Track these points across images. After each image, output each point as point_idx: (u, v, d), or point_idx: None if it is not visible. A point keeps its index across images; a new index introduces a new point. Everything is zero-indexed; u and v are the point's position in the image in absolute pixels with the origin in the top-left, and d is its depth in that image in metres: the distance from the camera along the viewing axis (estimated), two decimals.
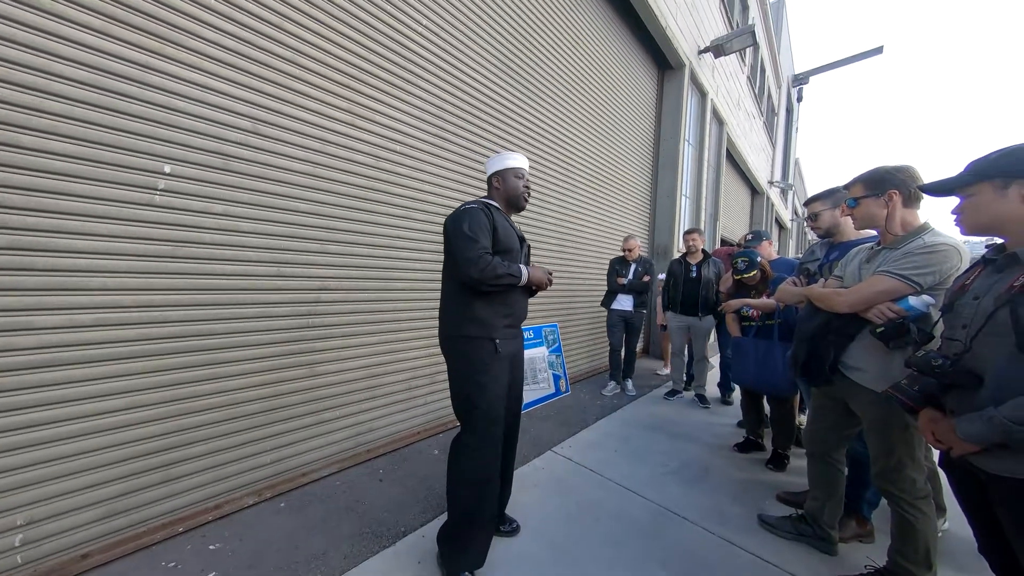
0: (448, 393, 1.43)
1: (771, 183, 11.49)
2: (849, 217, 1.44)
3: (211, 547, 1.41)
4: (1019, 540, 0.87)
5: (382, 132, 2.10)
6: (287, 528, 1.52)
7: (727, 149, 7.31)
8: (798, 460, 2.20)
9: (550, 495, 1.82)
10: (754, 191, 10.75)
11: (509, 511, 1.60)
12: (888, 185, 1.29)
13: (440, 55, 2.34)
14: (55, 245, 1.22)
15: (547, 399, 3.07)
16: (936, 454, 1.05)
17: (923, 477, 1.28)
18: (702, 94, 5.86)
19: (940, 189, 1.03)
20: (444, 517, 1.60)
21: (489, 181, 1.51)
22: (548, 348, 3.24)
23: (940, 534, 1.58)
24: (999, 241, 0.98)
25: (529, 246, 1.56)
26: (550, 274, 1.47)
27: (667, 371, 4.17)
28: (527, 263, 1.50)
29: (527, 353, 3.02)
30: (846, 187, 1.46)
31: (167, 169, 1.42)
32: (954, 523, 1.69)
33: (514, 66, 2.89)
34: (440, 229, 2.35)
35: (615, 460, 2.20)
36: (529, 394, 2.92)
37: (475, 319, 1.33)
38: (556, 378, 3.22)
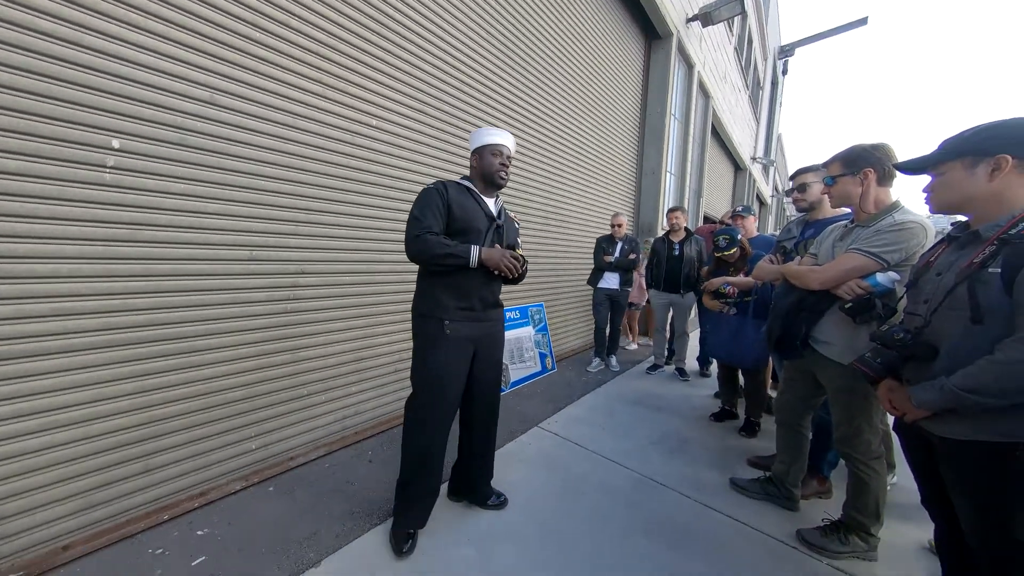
0: None
1: (754, 159, 11.58)
2: (826, 195, 1.47)
3: (199, 532, 1.41)
4: (957, 493, 0.96)
5: (357, 105, 1.97)
6: (277, 511, 1.53)
7: (712, 124, 7.27)
8: (768, 426, 2.34)
9: (538, 470, 1.89)
10: (737, 167, 10.83)
11: (498, 486, 1.66)
12: (864, 163, 1.31)
13: (418, 22, 2.18)
14: None
15: (534, 377, 3.13)
16: (891, 418, 1.12)
17: (878, 440, 1.38)
18: (689, 66, 5.74)
19: (913, 167, 1.05)
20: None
21: (470, 159, 1.48)
22: (534, 327, 3.28)
23: (889, 488, 1.73)
24: (964, 219, 1.01)
25: (506, 228, 1.48)
26: (515, 258, 1.35)
27: (634, 346, 4.35)
28: (500, 243, 1.44)
29: (514, 333, 3.05)
30: (825, 165, 1.47)
31: (115, 144, 1.30)
32: (901, 478, 1.86)
33: (497, 35, 2.73)
34: None
35: (600, 434, 2.29)
36: (516, 372, 2.97)
37: (428, 298, 1.37)
38: (542, 356, 3.28)
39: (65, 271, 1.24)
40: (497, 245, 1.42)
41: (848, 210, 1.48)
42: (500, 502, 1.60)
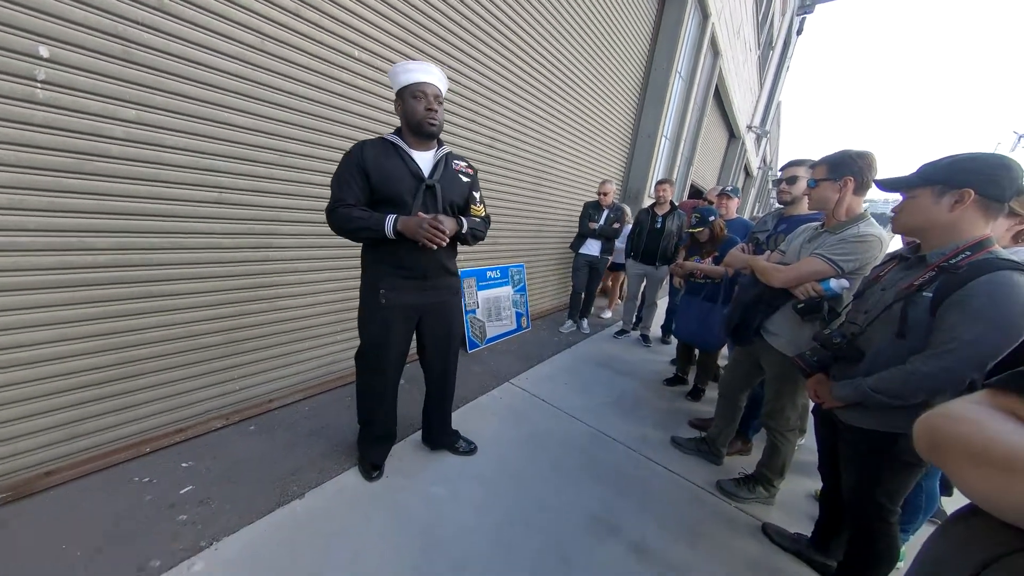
0: None
1: (750, 128, 11.36)
2: (807, 196, 1.53)
3: (183, 464, 1.50)
4: (846, 463, 1.21)
5: (337, 30, 1.73)
6: (259, 448, 1.64)
7: (716, 85, 6.95)
8: (711, 392, 2.64)
9: (506, 422, 2.08)
10: (732, 134, 10.62)
11: (469, 434, 1.83)
12: (845, 171, 1.36)
13: None
14: None
15: (508, 335, 3.28)
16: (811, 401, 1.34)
17: (796, 415, 1.63)
18: (704, 15, 5.30)
19: (889, 185, 1.09)
20: (412, 438, 1.81)
21: (395, 104, 1.27)
22: (513, 288, 3.35)
23: (797, 447, 2.07)
24: (917, 241, 1.11)
25: (433, 186, 1.26)
26: (435, 226, 1.18)
27: (608, 314, 4.42)
28: (434, 206, 1.28)
29: (493, 292, 3.12)
30: (812, 166, 1.51)
31: (43, 52, 1.10)
32: (808, 441, 2.22)
33: None
34: None
35: (565, 392, 2.50)
36: (492, 329, 3.10)
37: (367, 265, 1.37)
38: (518, 315, 3.40)
39: (5, 202, 1.12)
40: (435, 211, 1.26)
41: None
42: (470, 449, 1.78)
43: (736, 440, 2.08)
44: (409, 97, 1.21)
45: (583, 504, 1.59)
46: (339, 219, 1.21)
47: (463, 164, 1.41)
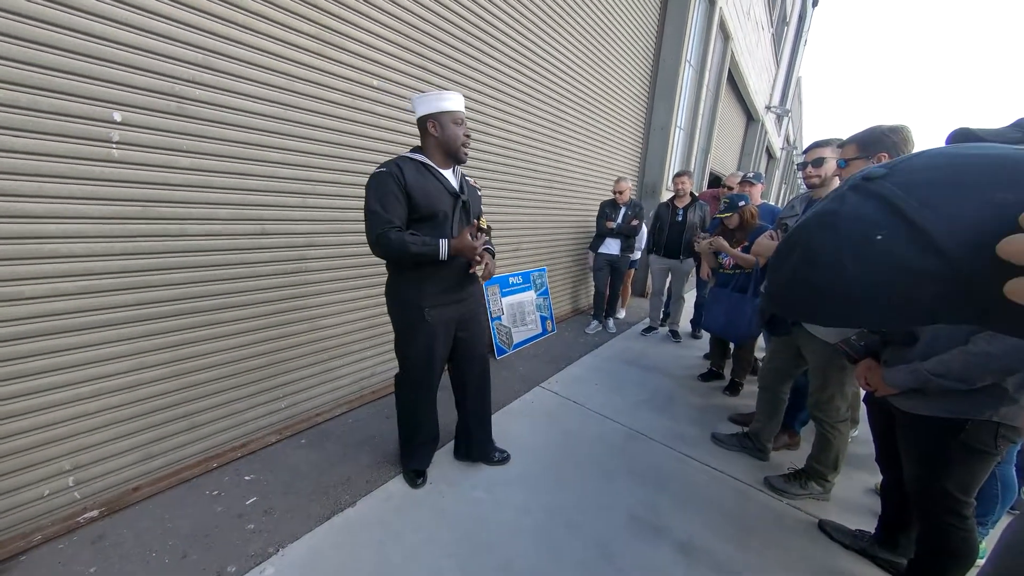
0: None
1: (769, 108, 10.91)
2: (837, 177, 1.48)
3: (247, 478, 1.62)
4: (908, 454, 1.14)
5: (357, 63, 1.85)
6: (311, 460, 1.74)
7: (728, 70, 6.75)
8: (750, 386, 2.56)
9: (539, 425, 2.11)
10: (750, 117, 10.24)
11: (504, 440, 1.87)
12: (879, 147, 1.31)
13: None
14: (11, 211, 1.13)
15: (535, 339, 3.30)
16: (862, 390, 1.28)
17: (846, 406, 1.56)
18: (711, 1, 5.19)
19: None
20: (449, 447, 1.86)
21: (422, 126, 1.29)
22: (536, 292, 3.38)
23: (850, 440, 1.96)
24: None
25: (469, 201, 1.38)
26: (482, 237, 1.27)
27: (622, 313, 4.16)
28: (467, 220, 1.37)
29: (516, 298, 3.16)
30: (840, 146, 1.46)
31: (117, 117, 1.26)
32: (861, 432, 2.11)
33: None
34: None
35: (596, 392, 2.50)
36: (518, 335, 3.14)
37: (404, 286, 1.34)
38: (543, 319, 3.43)
39: (80, 251, 1.26)
40: (467, 225, 1.34)
41: None
42: (504, 458, 1.79)
43: (782, 434, 2.00)
44: (450, 122, 1.27)
45: (624, 504, 1.58)
46: (395, 244, 1.17)
47: (471, 179, 1.51)
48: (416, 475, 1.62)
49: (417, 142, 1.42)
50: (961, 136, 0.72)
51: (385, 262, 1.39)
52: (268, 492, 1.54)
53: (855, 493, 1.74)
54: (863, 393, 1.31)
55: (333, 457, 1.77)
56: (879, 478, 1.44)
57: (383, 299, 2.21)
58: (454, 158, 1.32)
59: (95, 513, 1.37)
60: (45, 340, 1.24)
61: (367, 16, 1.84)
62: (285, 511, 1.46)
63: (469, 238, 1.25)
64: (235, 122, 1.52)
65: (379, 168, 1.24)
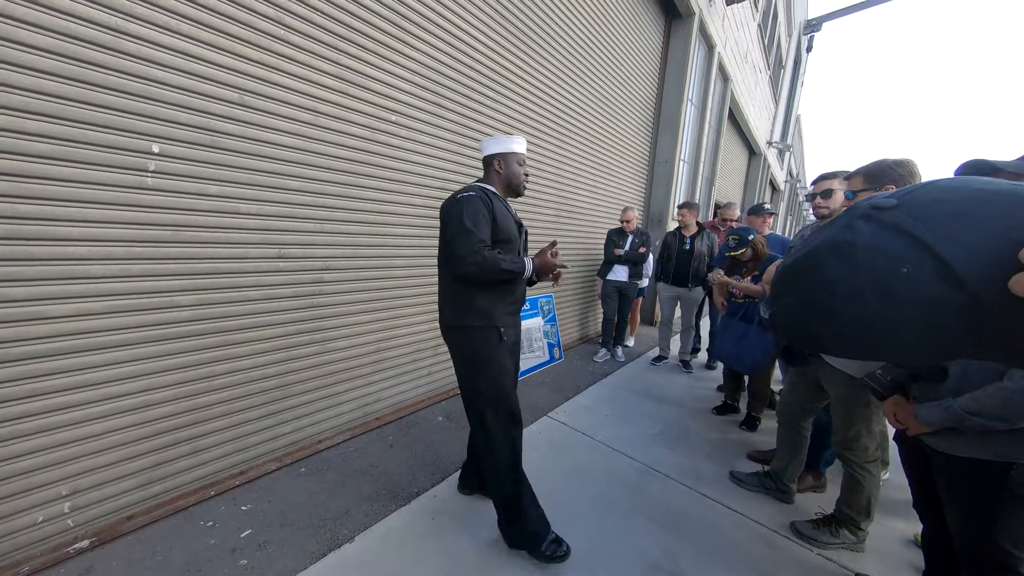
0: (450, 364, 1.50)
1: (770, 143, 11.22)
2: (845, 207, 1.49)
3: (243, 508, 1.56)
4: (950, 501, 1.05)
5: (375, 100, 1.98)
6: (310, 490, 1.68)
7: (729, 108, 7.04)
8: (768, 421, 2.44)
9: (547, 458, 2.02)
10: (752, 152, 10.53)
11: None
12: (886, 180, 1.32)
13: (434, 11, 2.14)
14: (50, 233, 1.19)
15: (542, 366, 3.24)
16: (891, 428, 1.20)
17: (875, 444, 1.47)
18: (709, 47, 5.51)
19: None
20: (454, 479, 1.78)
21: (488, 163, 1.44)
22: (543, 318, 3.36)
23: (881, 483, 1.83)
24: None
25: (527, 231, 1.54)
26: (556, 268, 1.36)
27: (631, 342, 4.11)
28: (525, 250, 1.50)
29: (524, 324, 3.14)
30: (847, 178, 1.49)
31: (155, 149, 1.35)
32: (893, 475, 1.97)
33: (512, 25, 2.65)
34: (436, 204, 2.34)
35: (605, 424, 2.41)
36: (525, 362, 3.08)
37: (478, 309, 1.30)
38: (551, 346, 3.38)
39: (116, 272, 1.32)
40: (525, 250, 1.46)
41: None
42: None
43: (806, 474, 1.88)
44: (515, 163, 1.42)
45: (640, 548, 1.48)
46: (489, 259, 1.21)
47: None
48: (557, 543, 1.35)
49: (454, 175, 1.52)
50: (974, 168, 0.72)
51: (440, 295, 1.41)
52: (264, 524, 1.48)
53: (893, 544, 1.60)
54: (892, 431, 1.24)
55: (332, 488, 1.70)
56: (918, 527, 1.33)
57: (391, 323, 2.27)
58: (514, 192, 1.46)
59: (85, 543, 1.31)
60: (66, 359, 1.26)
61: (386, 58, 1.99)
62: (280, 545, 1.38)
63: (549, 256, 1.35)
64: (262, 153, 1.61)
65: (465, 193, 1.29)
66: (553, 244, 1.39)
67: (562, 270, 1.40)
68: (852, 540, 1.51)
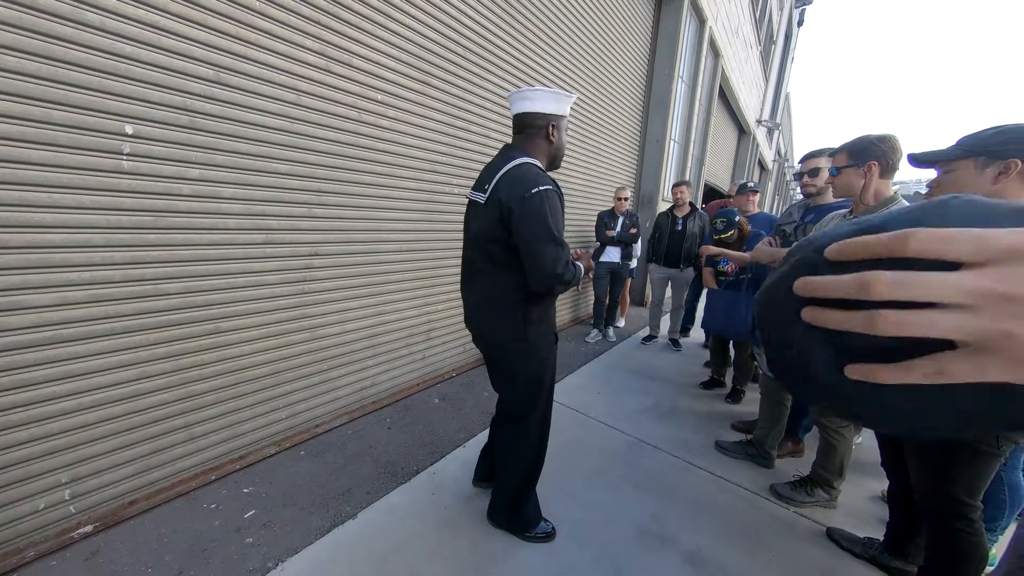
0: (444, 347, 1.51)
1: (760, 122, 11.20)
2: (831, 184, 1.52)
3: (245, 490, 1.59)
4: (914, 459, 1.14)
5: (361, 78, 1.91)
6: (311, 471, 1.71)
7: (720, 85, 6.96)
8: (751, 394, 2.55)
9: None
10: (741, 131, 10.50)
11: None
12: (869, 156, 1.35)
13: None
14: (23, 220, 1.15)
15: None
16: None
17: None
18: (701, 21, 5.40)
19: (927, 160, 1.03)
20: (453, 457, 1.83)
21: (535, 125, 1.11)
22: None
23: (854, 447, 1.95)
24: None
25: None
26: (591, 263, 1.31)
27: (622, 322, 4.18)
28: None
29: None
30: (831, 154, 1.51)
31: (129, 130, 1.29)
32: (865, 439, 2.10)
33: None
34: (426, 187, 2.30)
35: (598, 401, 2.48)
36: None
37: (543, 318, 1.19)
38: None
39: (98, 259, 1.29)
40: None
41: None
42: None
43: (786, 441, 1.99)
44: (565, 129, 1.15)
45: (630, 515, 1.56)
46: (577, 274, 1.09)
47: None
48: (547, 527, 1.41)
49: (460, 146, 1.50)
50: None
51: (487, 305, 1.21)
52: (267, 505, 1.51)
53: (862, 500, 1.72)
54: None
55: (333, 468, 1.74)
56: (885, 484, 1.44)
57: (383, 308, 2.27)
58: (554, 167, 1.20)
59: (89, 528, 1.33)
60: (51, 349, 1.24)
61: (371, 34, 1.90)
62: (284, 524, 1.42)
63: (582, 253, 1.26)
64: (244, 135, 1.55)
65: (543, 186, 1.02)
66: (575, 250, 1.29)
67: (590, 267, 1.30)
68: (825, 498, 1.62)
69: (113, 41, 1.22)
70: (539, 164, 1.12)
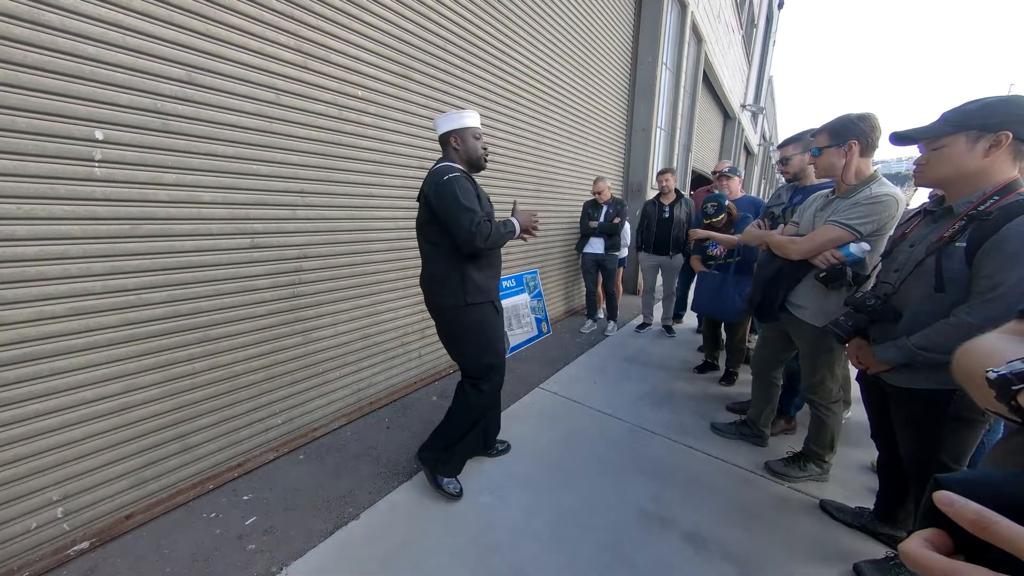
0: (439, 345, 1.56)
1: (744, 107, 11.26)
2: (812, 166, 1.54)
3: (244, 497, 1.57)
4: (902, 427, 1.18)
5: (340, 74, 1.86)
6: (311, 475, 1.71)
7: (704, 71, 6.97)
8: (744, 375, 2.60)
9: (541, 426, 2.10)
10: (726, 116, 10.54)
11: (505, 442, 1.87)
12: (849, 135, 1.36)
13: None
14: None
15: (531, 341, 3.31)
16: (854, 369, 1.31)
17: (837, 386, 1.60)
18: (683, 6, 5.38)
19: (912, 137, 1.00)
20: None
21: (445, 141, 1.45)
22: (529, 294, 3.39)
23: (844, 422, 2.01)
24: (941, 193, 1.10)
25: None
26: (534, 215, 1.49)
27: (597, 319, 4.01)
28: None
29: (511, 301, 3.17)
30: (813, 135, 1.52)
31: (99, 135, 1.24)
32: (854, 414, 2.16)
33: None
34: (414, 184, 2.27)
35: (595, 390, 2.51)
36: (514, 338, 3.14)
37: (477, 287, 1.41)
38: (538, 321, 3.44)
39: (75, 271, 1.25)
40: None
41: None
42: (505, 448, 1.83)
43: (779, 419, 2.04)
44: (471, 137, 1.43)
45: (631, 499, 1.59)
46: (493, 229, 1.32)
47: None
48: (457, 484, 1.58)
49: (425, 153, 1.60)
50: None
51: (430, 278, 1.47)
52: (268, 511, 1.50)
53: (852, 472, 1.77)
54: (855, 373, 1.35)
55: (333, 471, 1.73)
56: (874, 456, 1.48)
57: (375, 308, 2.25)
58: (476, 168, 1.47)
59: (86, 544, 1.31)
60: (30, 366, 1.20)
61: (349, 28, 1.86)
62: (287, 529, 1.42)
63: (522, 212, 1.46)
64: (222, 137, 1.51)
65: (451, 175, 1.31)
66: (514, 203, 1.52)
67: (536, 221, 1.50)
68: (818, 472, 1.67)
69: (76, 43, 1.17)
70: (458, 167, 1.40)
